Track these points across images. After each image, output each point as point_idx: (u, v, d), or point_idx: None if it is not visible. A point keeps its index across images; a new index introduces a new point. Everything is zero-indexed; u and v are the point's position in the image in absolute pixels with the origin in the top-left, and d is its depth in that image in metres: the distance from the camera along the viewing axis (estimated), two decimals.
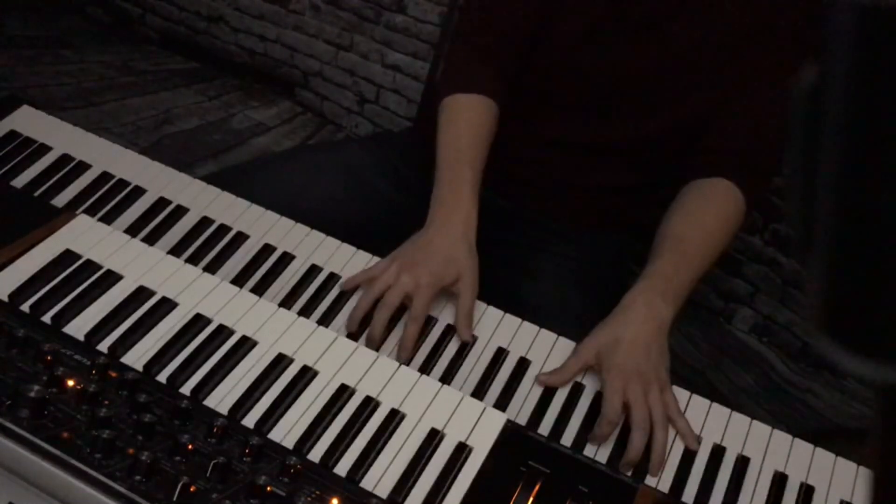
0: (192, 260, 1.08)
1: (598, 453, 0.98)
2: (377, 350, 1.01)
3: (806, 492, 0.96)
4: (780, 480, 0.97)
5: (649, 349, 1.02)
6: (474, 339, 1.07)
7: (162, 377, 0.89)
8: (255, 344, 0.95)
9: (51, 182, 1.15)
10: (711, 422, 1.02)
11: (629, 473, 0.95)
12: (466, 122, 1.18)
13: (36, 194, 1.14)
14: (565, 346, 1.09)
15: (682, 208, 1.15)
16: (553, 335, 1.10)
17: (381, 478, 0.84)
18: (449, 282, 1.07)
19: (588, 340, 1.04)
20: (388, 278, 1.05)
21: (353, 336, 1.04)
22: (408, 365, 0.98)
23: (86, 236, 1.02)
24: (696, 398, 1.05)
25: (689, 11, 1.15)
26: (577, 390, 1.04)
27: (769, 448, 1.00)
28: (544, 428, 0.99)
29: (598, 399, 1.03)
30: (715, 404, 1.04)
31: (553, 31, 1.21)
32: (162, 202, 1.16)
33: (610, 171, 1.30)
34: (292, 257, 1.12)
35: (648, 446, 0.97)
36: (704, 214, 1.15)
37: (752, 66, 1.16)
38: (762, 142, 1.17)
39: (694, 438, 0.99)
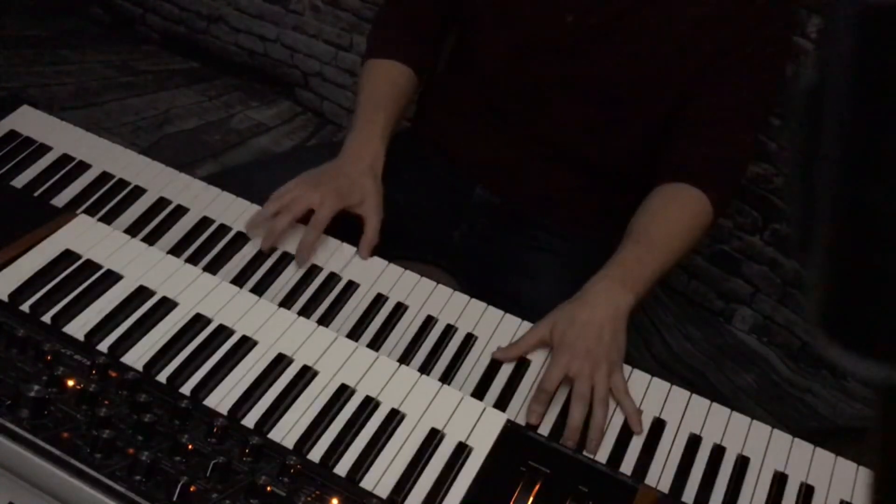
0: (192, 260, 1.08)
1: (599, 453, 0.98)
2: (269, 252, 1.11)
3: (806, 492, 0.96)
4: (780, 480, 0.97)
5: (601, 331, 1.05)
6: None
7: (162, 377, 0.89)
8: (255, 344, 0.95)
9: (51, 182, 1.15)
10: (711, 422, 1.02)
11: (569, 445, 0.96)
12: (383, 80, 1.29)
13: (36, 194, 1.13)
14: None
15: (647, 207, 1.20)
16: None
17: (381, 478, 0.84)
18: (353, 202, 1.14)
19: (545, 319, 1.08)
20: (293, 194, 1.12)
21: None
22: (301, 265, 1.10)
23: (86, 236, 1.02)
24: (696, 398, 1.05)
25: (635, 22, 1.18)
26: None
27: (769, 448, 1.00)
28: (544, 428, 0.99)
29: None
30: (715, 404, 1.04)
31: (499, 41, 1.25)
32: (162, 202, 1.16)
33: (606, 174, 1.30)
34: (292, 257, 1.12)
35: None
36: (668, 211, 1.19)
37: (712, 72, 1.19)
38: (726, 148, 1.20)
39: (638, 420, 1.01)
